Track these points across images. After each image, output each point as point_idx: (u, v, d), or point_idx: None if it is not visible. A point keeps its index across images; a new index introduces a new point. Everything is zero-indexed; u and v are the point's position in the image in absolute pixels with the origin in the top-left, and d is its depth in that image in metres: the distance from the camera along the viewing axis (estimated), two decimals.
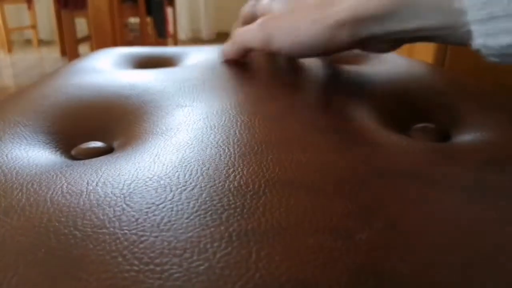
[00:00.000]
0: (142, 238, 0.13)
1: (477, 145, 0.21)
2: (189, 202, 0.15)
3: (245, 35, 0.33)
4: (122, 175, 0.17)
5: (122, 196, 0.16)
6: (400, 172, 0.17)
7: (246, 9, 0.38)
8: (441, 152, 0.19)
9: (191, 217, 0.14)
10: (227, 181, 0.16)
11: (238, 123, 0.22)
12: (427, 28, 0.23)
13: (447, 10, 0.22)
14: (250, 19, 0.37)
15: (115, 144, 0.24)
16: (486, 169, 0.18)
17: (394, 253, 0.12)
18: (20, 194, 0.16)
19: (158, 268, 0.12)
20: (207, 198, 0.15)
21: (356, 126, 0.22)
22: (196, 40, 4.20)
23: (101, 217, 0.14)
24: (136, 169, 0.18)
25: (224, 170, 0.17)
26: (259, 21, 0.31)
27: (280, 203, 0.15)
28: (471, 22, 0.21)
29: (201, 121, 0.23)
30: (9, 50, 3.34)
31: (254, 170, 0.17)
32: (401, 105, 0.27)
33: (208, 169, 0.17)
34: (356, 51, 0.43)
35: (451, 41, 0.23)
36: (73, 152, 0.22)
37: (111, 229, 0.14)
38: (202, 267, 0.12)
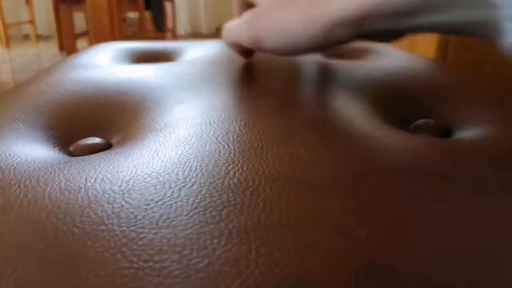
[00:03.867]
0: (141, 235, 0.13)
1: (479, 140, 0.21)
2: (188, 199, 0.15)
3: (233, 33, 0.30)
4: (121, 171, 0.17)
5: (120, 192, 0.15)
6: (400, 168, 0.17)
7: None
8: (442, 148, 0.19)
9: (191, 214, 0.14)
10: (227, 177, 0.16)
11: (238, 119, 0.22)
12: (453, 23, 0.20)
13: (479, 4, 0.19)
14: (245, 4, 0.33)
15: (114, 140, 0.23)
16: (488, 164, 0.18)
17: (394, 250, 0.12)
18: (18, 191, 0.16)
19: (157, 265, 0.12)
20: (206, 195, 0.15)
21: (357, 121, 0.22)
22: (195, 34, 4.19)
23: (100, 213, 0.14)
24: (135, 165, 0.18)
25: (224, 167, 0.17)
26: (245, 18, 0.28)
27: (280, 199, 0.15)
28: (505, 19, 0.18)
29: (200, 117, 0.23)
30: (7, 45, 3.33)
31: (253, 167, 0.17)
32: (402, 101, 0.27)
33: (208, 165, 0.17)
34: (356, 45, 0.43)
35: (472, 35, 0.21)
36: (71, 148, 0.22)
37: (110, 226, 0.14)
38: (201, 264, 0.12)
